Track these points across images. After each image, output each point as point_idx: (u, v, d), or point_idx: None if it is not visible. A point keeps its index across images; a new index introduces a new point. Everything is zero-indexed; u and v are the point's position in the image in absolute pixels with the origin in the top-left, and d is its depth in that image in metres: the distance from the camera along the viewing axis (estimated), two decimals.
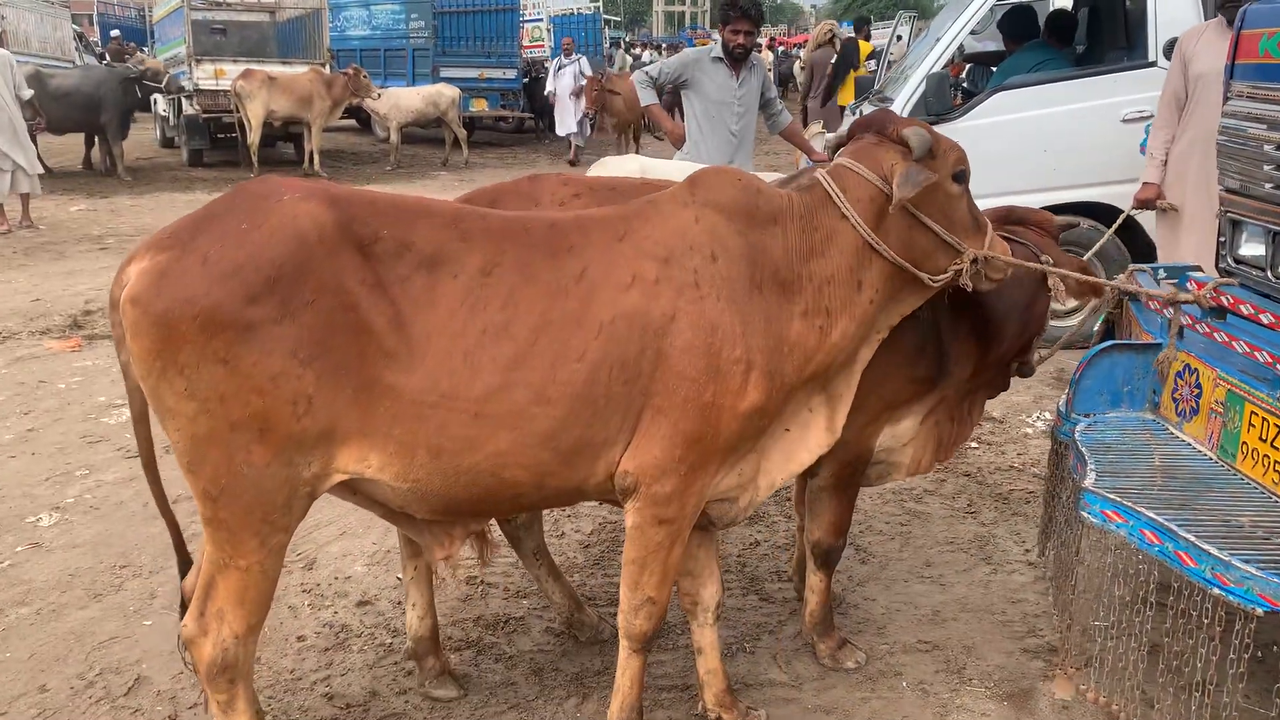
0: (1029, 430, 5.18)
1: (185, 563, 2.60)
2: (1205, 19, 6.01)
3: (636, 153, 16.90)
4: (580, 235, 2.39)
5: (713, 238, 2.39)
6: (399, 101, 16.03)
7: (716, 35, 6.07)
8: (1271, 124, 3.05)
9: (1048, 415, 5.36)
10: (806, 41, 24.45)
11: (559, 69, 17.39)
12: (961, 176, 2.57)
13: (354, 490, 2.39)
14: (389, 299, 2.21)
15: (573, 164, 16.61)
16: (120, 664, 3.25)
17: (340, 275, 2.17)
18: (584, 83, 16.73)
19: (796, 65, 27.61)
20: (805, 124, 12.51)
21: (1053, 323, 6.04)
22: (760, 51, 29.68)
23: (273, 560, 2.32)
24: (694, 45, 34.95)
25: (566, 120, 17.33)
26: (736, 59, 5.65)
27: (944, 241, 2.52)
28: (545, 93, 17.92)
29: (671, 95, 5.86)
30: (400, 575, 3.10)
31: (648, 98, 5.84)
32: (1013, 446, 4.99)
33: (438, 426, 2.24)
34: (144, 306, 2.13)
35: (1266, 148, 3.06)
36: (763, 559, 3.91)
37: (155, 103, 15.85)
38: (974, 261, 2.55)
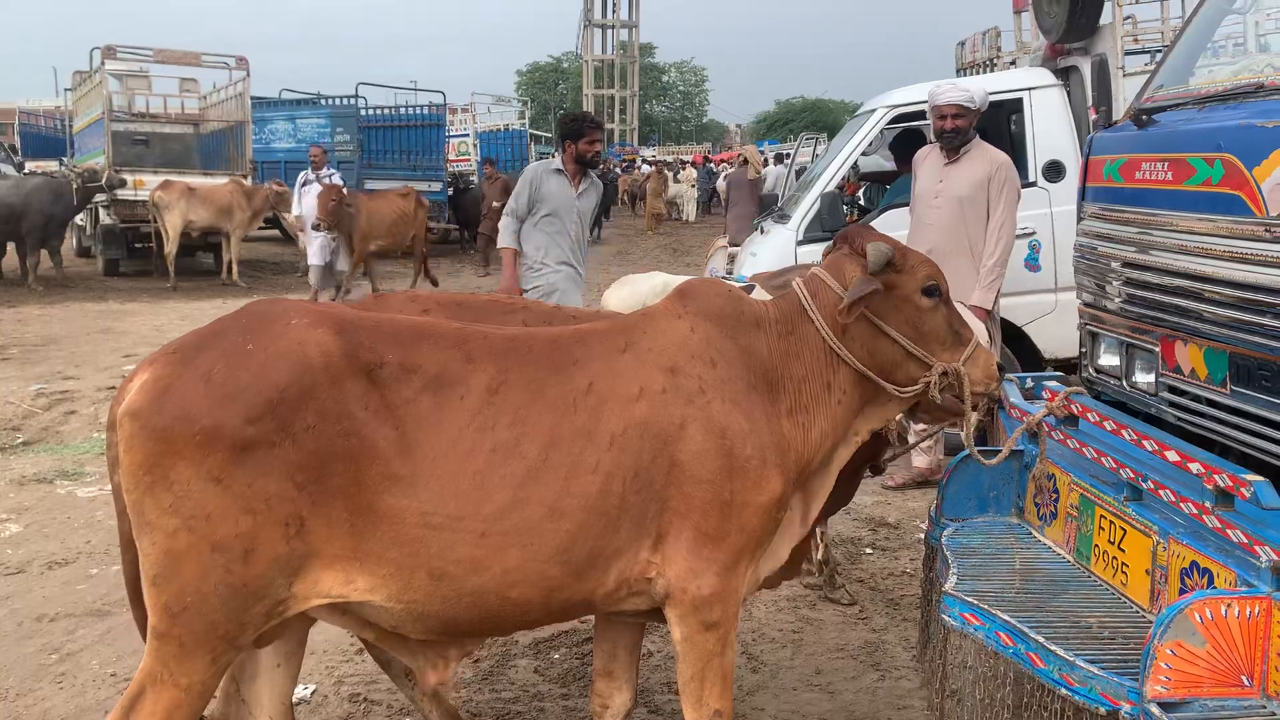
0: (922, 536, 5.26)
1: None
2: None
3: (420, 282, 13.84)
4: (583, 349, 2.46)
5: (709, 345, 2.51)
6: (306, 212, 16.11)
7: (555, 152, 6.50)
8: (1118, 242, 3.26)
9: None
10: (729, 159, 25.54)
11: (304, 184, 12.96)
12: (933, 290, 2.66)
13: (343, 612, 2.37)
14: (395, 423, 2.24)
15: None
16: None
17: (344, 402, 2.21)
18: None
19: (720, 180, 28.57)
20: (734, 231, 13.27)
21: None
22: (685, 169, 30.32)
23: (215, 681, 2.29)
24: (621, 160, 35.68)
25: (311, 244, 12.66)
26: (590, 166, 6.02)
27: (912, 353, 2.62)
28: (293, 215, 13.92)
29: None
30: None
31: (506, 241, 6.03)
32: (906, 552, 5.06)
33: (441, 548, 2.25)
34: (143, 421, 2.15)
35: (1114, 265, 3.26)
36: (654, 670, 3.89)
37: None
38: (944, 374, 2.62)
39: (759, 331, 2.60)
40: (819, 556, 4.40)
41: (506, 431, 2.31)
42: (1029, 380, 3.73)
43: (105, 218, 15.11)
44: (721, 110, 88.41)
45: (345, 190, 12.64)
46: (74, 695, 3.68)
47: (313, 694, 3.66)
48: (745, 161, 14.00)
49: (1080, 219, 3.58)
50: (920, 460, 6.06)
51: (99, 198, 14.62)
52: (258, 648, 2.55)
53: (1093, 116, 4.72)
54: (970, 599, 2.57)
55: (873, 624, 4.29)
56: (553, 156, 6.26)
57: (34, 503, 5.68)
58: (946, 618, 2.60)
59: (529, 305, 3.05)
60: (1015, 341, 6.37)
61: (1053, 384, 3.21)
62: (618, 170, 35.88)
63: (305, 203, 12.61)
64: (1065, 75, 6.62)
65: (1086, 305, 3.51)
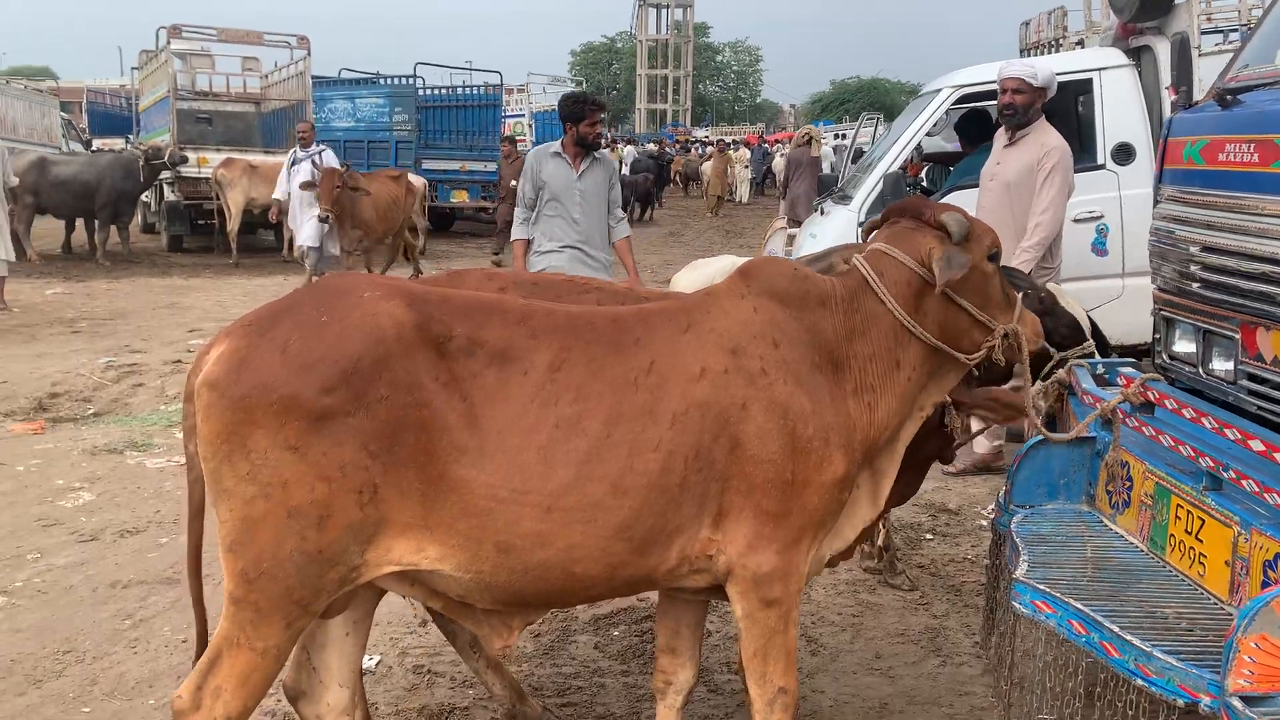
0: (983, 522, 5.21)
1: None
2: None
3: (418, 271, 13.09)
4: (645, 328, 2.47)
5: (773, 325, 2.49)
6: (295, 192, 16.18)
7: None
8: (1198, 226, 3.18)
9: None
10: (784, 139, 25.47)
11: (294, 164, 11.91)
12: (995, 256, 2.70)
13: (412, 581, 2.42)
14: (461, 395, 2.28)
15: None
16: None
17: (415, 372, 2.24)
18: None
19: (777, 158, 28.40)
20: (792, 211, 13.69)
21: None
22: (738, 150, 29.98)
23: (289, 645, 2.34)
24: (674, 141, 35.32)
25: (303, 227, 11.70)
26: (590, 148, 5.86)
27: (977, 320, 2.63)
28: (273, 197, 12.54)
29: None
30: None
31: (515, 233, 6.04)
32: (967, 539, 5.02)
33: (508, 521, 2.28)
34: (221, 390, 2.21)
35: (1192, 249, 3.18)
36: (713, 649, 3.90)
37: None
38: (1005, 337, 2.65)
39: (824, 310, 2.58)
40: (880, 542, 4.38)
41: (569, 408, 2.33)
42: (1100, 366, 3.67)
43: (169, 194, 15.40)
44: (775, 90, 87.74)
45: (346, 170, 11.65)
46: (148, 660, 3.77)
47: (377, 664, 3.72)
48: (809, 140, 14.33)
49: (1157, 202, 3.50)
50: (981, 446, 6.00)
51: (164, 175, 14.88)
52: (327, 617, 2.60)
53: (1171, 97, 4.61)
54: (1042, 586, 2.54)
55: (934, 610, 4.26)
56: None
57: (105, 472, 5.83)
58: (1017, 605, 2.57)
59: (602, 286, 3.05)
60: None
61: (1127, 370, 3.15)
62: (672, 151, 35.75)
63: (295, 182, 11.68)
64: (1136, 55, 6.47)
65: (1162, 290, 3.44)
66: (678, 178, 33.45)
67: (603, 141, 5.94)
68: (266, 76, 18.07)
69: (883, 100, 60.81)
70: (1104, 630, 2.36)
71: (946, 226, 2.61)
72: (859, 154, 9.08)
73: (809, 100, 72.48)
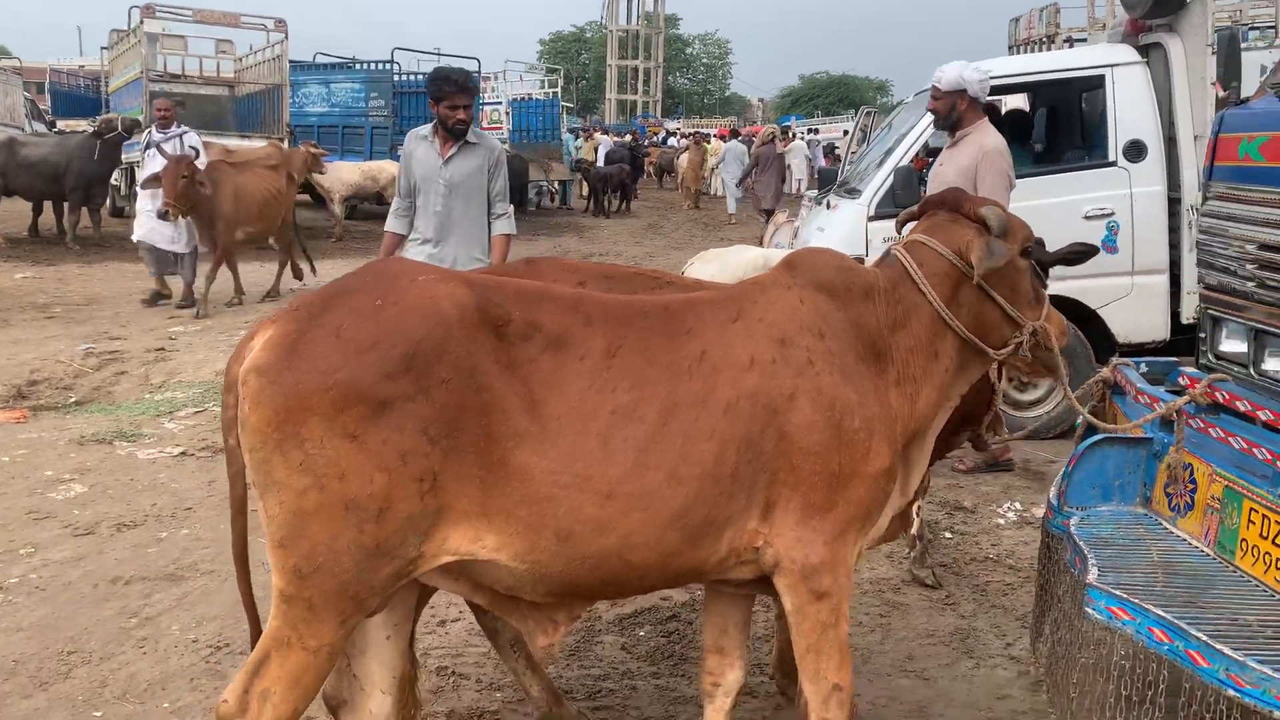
0: (1000, 521, 5.17)
1: None
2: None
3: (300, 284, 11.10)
4: (695, 317, 2.44)
5: (819, 316, 2.48)
6: (339, 174, 16.05)
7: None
8: (1255, 224, 3.12)
9: (1018, 505, 5.37)
10: (755, 133, 25.64)
11: (148, 147, 10.23)
12: (1029, 252, 2.71)
13: (457, 576, 2.32)
14: (520, 379, 2.21)
15: (164, 300, 10.29)
16: None
17: (476, 355, 2.17)
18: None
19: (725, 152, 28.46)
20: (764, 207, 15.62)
21: (1017, 413, 6.15)
22: (709, 142, 30.16)
23: (342, 643, 2.24)
24: (645, 132, 35.25)
25: (141, 220, 10.18)
26: (456, 134, 5.06)
27: (1008, 315, 2.63)
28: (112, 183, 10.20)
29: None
30: None
31: (390, 225, 5.29)
32: (986, 537, 4.96)
33: (569, 509, 2.21)
34: (271, 376, 2.10)
35: (1249, 247, 3.13)
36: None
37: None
38: (1032, 334, 2.66)
39: (869, 303, 2.57)
40: (913, 531, 4.31)
41: (626, 395, 2.28)
42: (1143, 365, 3.62)
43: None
44: (744, 84, 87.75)
45: (200, 161, 9.74)
46: (158, 661, 3.62)
47: None
48: (773, 138, 16.42)
49: (1206, 199, 3.45)
50: None
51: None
52: (368, 616, 2.49)
53: (1219, 93, 4.58)
54: (1118, 592, 2.47)
55: (960, 610, 4.20)
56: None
57: (95, 464, 5.63)
58: (1091, 611, 2.50)
59: (674, 280, 2.96)
60: (1086, 324, 6.23)
61: (1190, 370, 3.09)
62: (648, 141, 35.60)
63: (150, 168, 9.93)
64: (1145, 52, 6.45)
65: (1210, 288, 3.39)
66: (652, 169, 33.30)
67: (467, 128, 5.05)
68: (241, 60, 17.70)
69: (852, 96, 60.92)
70: (1190, 638, 2.29)
71: (985, 219, 2.64)
72: (829, 150, 9.03)
73: (779, 94, 72.60)
